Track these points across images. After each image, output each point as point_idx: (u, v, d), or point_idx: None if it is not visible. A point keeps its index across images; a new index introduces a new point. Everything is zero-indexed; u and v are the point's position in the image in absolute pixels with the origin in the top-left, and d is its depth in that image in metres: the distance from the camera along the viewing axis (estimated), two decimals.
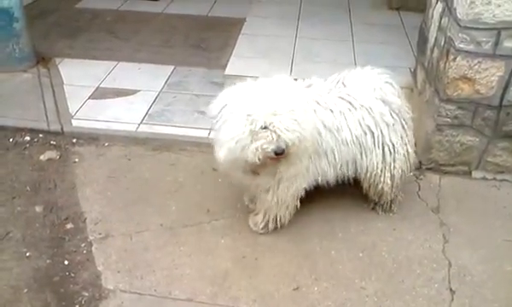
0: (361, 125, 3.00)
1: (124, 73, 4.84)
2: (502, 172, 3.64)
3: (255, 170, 2.81)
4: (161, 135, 4.01)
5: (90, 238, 3.16)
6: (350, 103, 3.00)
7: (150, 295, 2.83)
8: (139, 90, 4.56)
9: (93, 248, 3.09)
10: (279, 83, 2.74)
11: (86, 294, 2.82)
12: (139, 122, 4.15)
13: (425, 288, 2.90)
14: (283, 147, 2.59)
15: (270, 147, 2.58)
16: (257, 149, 2.59)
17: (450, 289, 2.89)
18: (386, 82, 3.11)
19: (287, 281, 2.91)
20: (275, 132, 2.58)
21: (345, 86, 3.06)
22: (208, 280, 2.92)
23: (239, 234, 3.20)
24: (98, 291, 2.84)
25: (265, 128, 2.58)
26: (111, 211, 3.35)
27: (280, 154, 2.61)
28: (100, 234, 3.19)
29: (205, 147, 3.91)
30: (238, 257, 3.05)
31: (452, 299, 2.84)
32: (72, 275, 2.93)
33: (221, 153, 2.72)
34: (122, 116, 4.21)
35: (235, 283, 2.90)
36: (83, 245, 3.11)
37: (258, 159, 2.61)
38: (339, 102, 2.99)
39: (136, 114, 4.23)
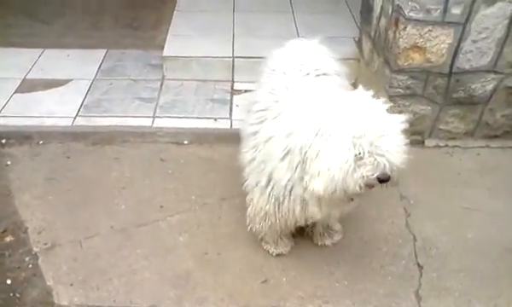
0: None
1: (51, 62, 4.46)
2: (453, 138, 3.66)
3: (351, 197, 2.36)
4: (101, 127, 3.73)
5: (35, 250, 2.88)
6: None
7: (109, 306, 2.61)
8: (71, 80, 4.22)
9: (39, 261, 2.82)
10: (367, 99, 2.31)
11: None
12: (75, 115, 3.83)
13: (393, 266, 2.86)
14: (389, 173, 2.16)
15: (376, 175, 2.14)
16: (362, 177, 2.15)
17: (418, 264, 2.87)
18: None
19: (254, 275, 2.78)
20: (382, 156, 2.14)
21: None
22: (170, 282, 2.73)
23: (197, 229, 3.03)
24: None
25: (371, 152, 2.14)
26: (55, 218, 3.06)
27: (385, 181, 2.17)
28: (45, 244, 2.91)
29: (149, 136, 3.70)
30: (199, 254, 2.88)
31: (421, 275, 2.82)
32: (18, 294, 2.66)
33: (319, 185, 2.21)
34: (55, 110, 3.87)
35: (199, 283, 2.73)
36: (27, 259, 2.83)
37: (360, 188, 2.18)
38: None
39: (70, 106, 3.91)
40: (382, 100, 2.30)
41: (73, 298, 2.64)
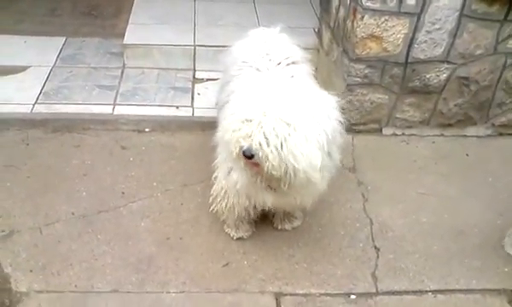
0: None
1: (7, 48, 4.35)
2: (410, 127, 3.78)
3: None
4: (61, 114, 3.68)
5: None
6: None
7: (71, 291, 2.60)
8: (29, 66, 4.14)
9: None
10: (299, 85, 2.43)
11: None
12: (33, 102, 3.77)
13: (351, 249, 2.95)
14: (253, 152, 2.23)
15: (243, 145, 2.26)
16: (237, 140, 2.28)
17: (375, 246, 2.97)
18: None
19: (215, 258, 2.82)
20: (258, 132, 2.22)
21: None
22: (132, 267, 2.74)
23: (159, 215, 3.04)
24: (8, 296, 2.57)
25: (250, 121, 2.25)
26: (13, 204, 3.02)
27: (248, 158, 2.26)
28: (3, 231, 2.87)
29: (110, 124, 3.68)
30: (161, 239, 2.90)
31: (378, 256, 2.91)
32: None
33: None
34: (13, 97, 3.80)
35: (161, 267, 2.75)
36: None
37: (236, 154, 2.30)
38: None
39: (29, 94, 3.85)
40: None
41: (33, 285, 2.62)
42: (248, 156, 2.24)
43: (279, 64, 2.74)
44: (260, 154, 2.22)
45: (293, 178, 2.26)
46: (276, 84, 2.40)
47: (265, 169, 2.25)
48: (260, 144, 2.21)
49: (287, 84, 2.43)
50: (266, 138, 2.21)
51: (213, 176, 2.77)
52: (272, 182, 2.38)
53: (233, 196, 2.65)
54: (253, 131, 2.22)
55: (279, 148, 2.21)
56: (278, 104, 2.24)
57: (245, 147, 2.24)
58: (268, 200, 2.54)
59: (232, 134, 2.29)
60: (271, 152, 2.20)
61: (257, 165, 2.27)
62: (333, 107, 2.40)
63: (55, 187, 3.16)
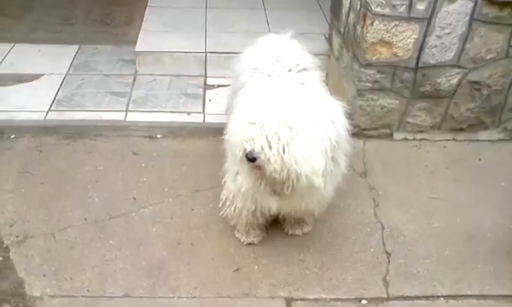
0: None
1: (22, 56, 4.44)
2: (421, 132, 3.76)
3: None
4: (73, 121, 3.73)
5: (6, 242, 2.87)
6: None
7: (83, 296, 2.62)
8: (43, 74, 4.20)
9: (11, 253, 2.81)
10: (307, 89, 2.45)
11: None
12: (47, 109, 3.83)
13: (362, 253, 2.94)
14: (256, 155, 2.25)
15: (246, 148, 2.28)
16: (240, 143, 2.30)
17: (386, 251, 2.96)
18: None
19: (226, 263, 2.83)
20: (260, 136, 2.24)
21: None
22: (144, 272, 2.76)
23: (170, 220, 3.06)
24: (22, 300, 2.59)
25: (253, 124, 2.27)
26: (27, 210, 3.06)
27: (251, 160, 2.28)
28: (17, 236, 2.90)
29: (122, 130, 3.72)
30: (173, 245, 2.91)
31: (389, 261, 2.90)
32: None
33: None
34: (27, 104, 3.86)
35: (172, 272, 2.77)
36: None
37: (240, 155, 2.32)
38: None
39: (42, 101, 3.90)
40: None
41: (46, 289, 2.64)
42: (251, 159, 2.26)
43: (290, 70, 2.75)
44: (262, 157, 2.24)
45: (296, 182, 2.27)
46: (282, 89, 2.41)
47: (267, 172, 2.26)
48: (262, 147, 2.23)
49: (292, 90, 2.44)
50: (268, 141, 2.23)
51: (223, 180, 2.78)
52: (275, 187, 2.38)
53: (239, 200, 2.66)
54: (255, 134, 2.24)
55: (281, 152, 2.22)
56: (281, 108, 2.26)
57: (248, 150, 2.26)
58: (272, 205, 2.55)
59: (236, 137, 2.32)
60: (273, 155, 2.22)
61: (259, 168, 2.29)
62: (338, 113, 2.41)
63: (67, 193, 3.19)
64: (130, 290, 2.67)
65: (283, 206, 2.59)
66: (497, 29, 3.38)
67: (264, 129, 2.23)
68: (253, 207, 2.65)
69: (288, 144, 2.22)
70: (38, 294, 2.62)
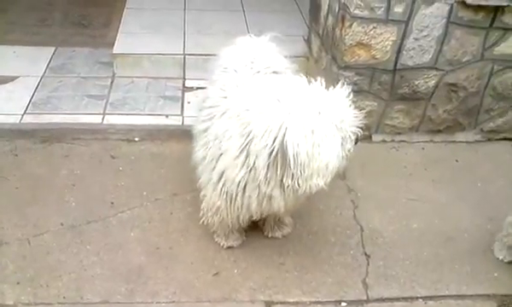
0: None
1: None
2: (399, 134, 3.79)
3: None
4: (50, 124, 3.67)
5: None
6: None
7: (59, 303, 2.58)
8: (18, 76, 4.13)
9: None
10: (316, 87, 2.38)
11: None
12: (22, 112, 3.76)
13: (341, 256, 2.94)
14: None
15: (354, 142, 2.34)
16: (348, 151, 2.32)
17: (365, 253, 2.97)
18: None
19: (206, 268, 2.81)
20: (352, 126, 2.30)
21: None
22: (122, 277, 2.72)
23: (149, 224, 3.03)
24: None
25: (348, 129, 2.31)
26: (1, 216, 3.00)
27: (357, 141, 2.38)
28: None
29: (100, 133, 3.67)
30: (151, 249, 2.88)
31: (368, 263, 2.91)
32: None
33: (320, 181, 2.28)
34: (2, 107, 3.79)
35: (151, 277, 2.74)
36: None
37: (346, 160, 2.35)
38: None
39: (17, 104, 3.83)
40: (318, 81, 2.40)
41: (20, 297, 2.59)
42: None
43: (258, 72, 2.74)
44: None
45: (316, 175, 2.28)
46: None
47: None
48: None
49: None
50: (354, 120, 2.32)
51: (201, 193, 2.75)
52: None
53: (226, 210, 2.62)
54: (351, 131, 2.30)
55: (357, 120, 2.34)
56: (335, 102, 2.29)
57: (356, 140, 2.33)
58: (282, 207, 2.51)
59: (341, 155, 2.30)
60: None
61: None
62: None
63: (43, 197, 3.14)
64: (107, 296, 2.63)
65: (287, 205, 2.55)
66: (472, 32, 3.42)
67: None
68: (247, 215, 2.62)
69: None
70: (12, 303, 2.56)
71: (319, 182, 2.28)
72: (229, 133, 2.46)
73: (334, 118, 2.24)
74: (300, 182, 2.27)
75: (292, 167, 2.23)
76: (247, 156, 2.38)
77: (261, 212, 2.60)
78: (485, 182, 3.50)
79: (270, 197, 2.44)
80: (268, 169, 2.30)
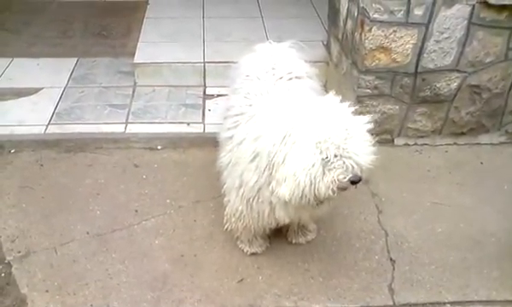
0: None
1: (21, 70, 4.43)
2: (422, 137, 3.76)
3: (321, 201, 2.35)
4: (73, 134, 3.73)
5: (8, 258, 2.85)
6: None
7: None
8: (42, 88, 4.20)
9: (13, 269, 2.79)
10: (332, 103, 2.34)
11: None
12: (47, 123, 3.82)
13: (366, 261, 2.92)
14: (360, 174, 2.20)
15: (348, 177, 2.17)
16: (332, 182, 2.18)
17: (390, 258, 2.94)
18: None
19: (230, 275, 2.81)
20: (350, 159, 2.18)
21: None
22: (147, 285, 2.74)
23: (173, 232, 3.04)
24: None
25: (338, 156, 2.18)
26: (29, 225, 3.04)
27: (357, 183, 2.21)
28: (19, 252, 2.88)
29: (122, 142, 3.71)
30: (176, 257, 2.90)
31: (394, 268, 2.88)
32: None
33: (285, 191, 2.23)
34: (26, 118, 3.85)
35: (176, 285, 2.75)
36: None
37: (333, 192, 2.20)
38: None
39: (42, 115, 3.90)
40: (348, 103, 2.35)
41: (49, 305, 2.62)
42: (358, 181, 2.21)
43: (280, 78, 2.75)
44: (365, 174, 2.26)
45: None
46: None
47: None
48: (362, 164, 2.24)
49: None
50: (365, 154, 2.25)
51: (224, 199, 2.77)
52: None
53: (249, 217, 2.63)
54: (347, 161, 2.18)
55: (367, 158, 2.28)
56: (338, 124, 2.21)
57: (352, 177, 2.19)
58: (284, 217, 2.52)
59: (324, 178, 2.20)
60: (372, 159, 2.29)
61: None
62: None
63: (69, 206, 3.18)
64: (134, 304, 2.65)
65: (298, 215, 2.56)
66: (495, 32, 3.39)
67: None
68: (273, 223, 2.62)
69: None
70: None
71: (285, 191, 2.23)
72: (245, 138, 2.49)
73: (315, 132, 2.17)
74: (274, 184, 2.28)
75: (269, 166, 2.27)
76: (258, 160, 2.40)
77: (275, 221, 2.60)
78: (511, 184, 3.44)
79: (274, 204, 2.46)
80: (264, 171, 2.34)
